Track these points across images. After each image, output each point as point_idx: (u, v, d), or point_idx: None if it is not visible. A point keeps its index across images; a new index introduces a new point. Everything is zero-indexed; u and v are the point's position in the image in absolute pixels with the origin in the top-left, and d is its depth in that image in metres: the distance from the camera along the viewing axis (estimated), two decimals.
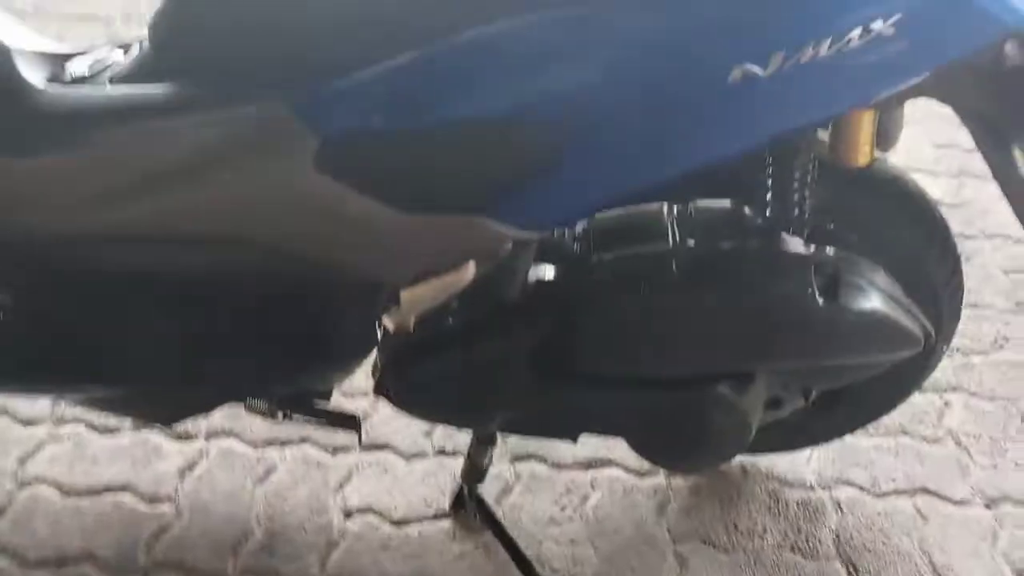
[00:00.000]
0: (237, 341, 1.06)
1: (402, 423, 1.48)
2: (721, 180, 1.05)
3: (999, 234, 1.95)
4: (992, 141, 0.98)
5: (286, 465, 1.41)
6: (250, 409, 1.13)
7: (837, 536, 1.35)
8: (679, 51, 0.80)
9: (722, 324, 0.98)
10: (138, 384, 1.09)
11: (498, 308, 1.04)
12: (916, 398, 1.54)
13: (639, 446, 1.12)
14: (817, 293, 0.95)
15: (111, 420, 1.44)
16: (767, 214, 1.01)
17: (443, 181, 0.90)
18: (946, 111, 0.96)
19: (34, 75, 1.07)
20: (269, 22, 0.92)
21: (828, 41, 0.79)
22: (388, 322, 1.01)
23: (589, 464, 1.43)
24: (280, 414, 1.13)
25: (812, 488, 1.42)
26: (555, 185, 0.88)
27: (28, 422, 1.45)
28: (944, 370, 1.61)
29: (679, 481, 1.41)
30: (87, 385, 1.10)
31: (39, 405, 1.47)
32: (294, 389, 1.13)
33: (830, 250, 1.00)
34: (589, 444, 1.44)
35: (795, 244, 0.98)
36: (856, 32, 0.79)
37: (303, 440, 1.45)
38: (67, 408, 1.47)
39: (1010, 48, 0.92)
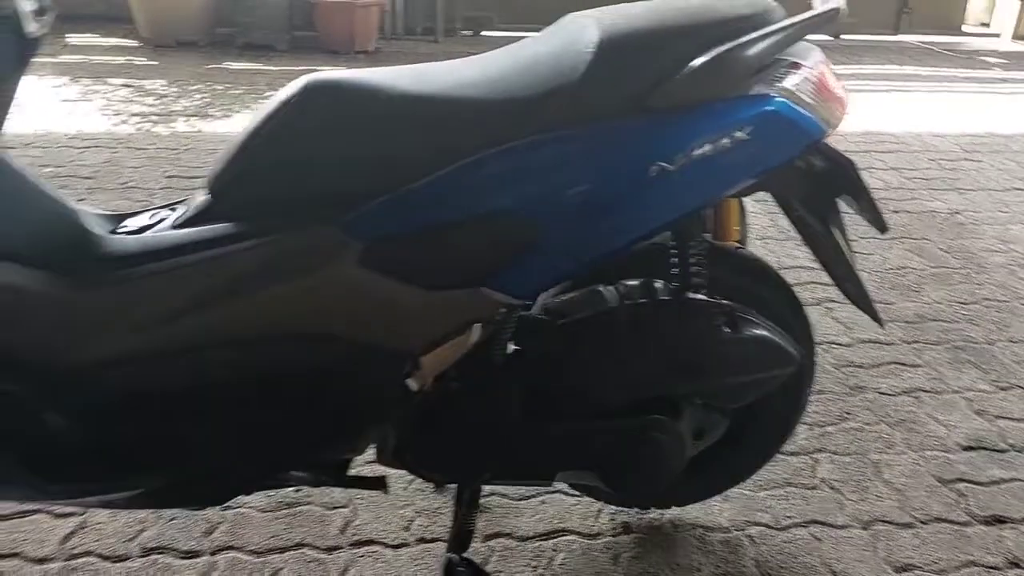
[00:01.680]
0: (287, 422, 1.30)
1: (381, 523, 1.70)
2: (635, 267, 1.44)
3: (826, 341, 2.45)
4: (810, 219, 1.42)
5: (289, 567, 1.59)
6: (293, 481, 1.35)
7: (756, 562, 1.66)
8: (617, 156, 1.21)
9: (659, 356, 1.34)
10: (200, 467, 1.30)
11: (490, 371, 1.35)
12: (791, 460, 1.94)
13: (605, 476, 1.42)
14: (723, 327, 1.33)
15: (121, 548, 1.58)
16: (673, 284, 1.40)
17: (454, 264, 1.24)
18: None
19: (98, 229, 1.35)
20: (308, 171, 1.25)
21: (710, 144, 1.22)
22: (413, 384, 1.29)
23: (549, 535, 1.70)
24: (318, 482, 1.36)
25: (729, 530, 1.74)
26: (535, 261, 1.24)
27: (40, 560, 1.56)
28: (809, 439, 2.02)
29: (626, 537, 1.70)
30: (157, 475, 1.29)
31: (49, 544, 1.59)
32: (333, 457, 1.36)
33: (724, 302, 1.39)
34: (545, 518, 1.72)
35: (701, 298, 1.37)
36: (726, 139, 1.23)
37: (300, 545, 1.63)
38: (78, 541, 1.59)
39: (814, 159, 1.40)
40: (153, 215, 1.37)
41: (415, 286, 1.24)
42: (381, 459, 1.45)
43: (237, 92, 4.64)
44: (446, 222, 1.22)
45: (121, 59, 5.07)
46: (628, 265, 1.43)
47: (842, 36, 6.80)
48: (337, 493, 1.77)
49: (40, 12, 1.27)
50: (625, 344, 1.35)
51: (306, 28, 5.80)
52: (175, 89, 4.55)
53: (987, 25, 7.40)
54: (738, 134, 1.23)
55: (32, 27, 1.26)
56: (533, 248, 1.23)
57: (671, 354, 1.35)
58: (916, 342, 2.49)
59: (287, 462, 1.33)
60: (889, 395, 2.23)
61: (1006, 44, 7.17)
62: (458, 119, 1.24)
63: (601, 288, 1.40)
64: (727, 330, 1.35)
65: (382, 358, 1.28)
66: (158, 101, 4.32)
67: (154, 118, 4.06)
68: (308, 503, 1.74)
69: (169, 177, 3.42)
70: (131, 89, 4.45)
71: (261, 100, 4.54)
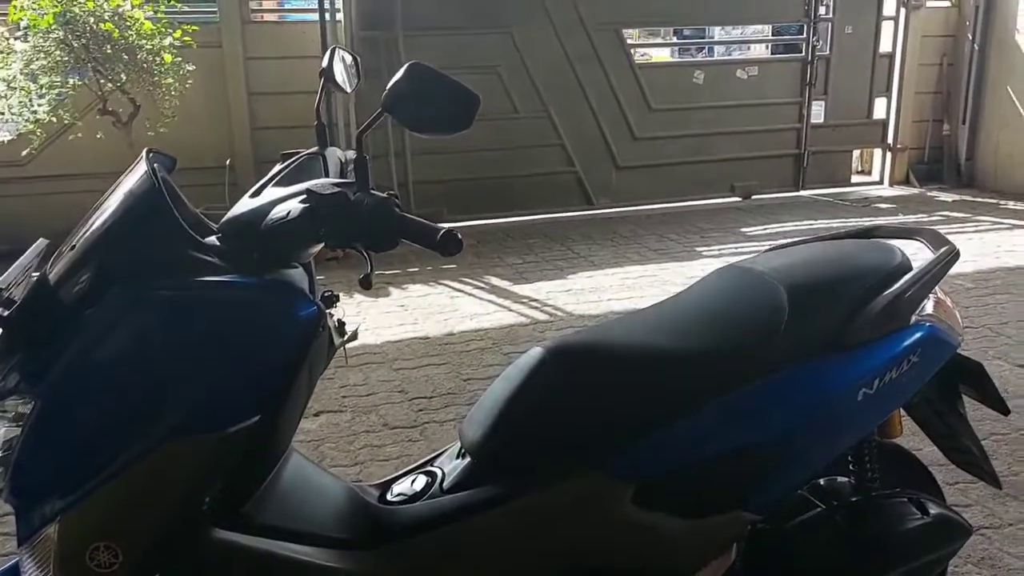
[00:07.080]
0: None
1: None
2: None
3: None
4: (940, 406, 1.75)
5: None
6: None
7: None
8: (836, 387, 1.50)
9: (876, 548, 1.60)
10: None
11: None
12: None
13: None
14: (916, 512, 1.61)
15: None
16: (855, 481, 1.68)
17: (719, 494, 1.48)
18: None
19: (374, 501, 1.54)
20: (571, 428, 1.49)
21: (895, 370, 1.54)
22: None
23: None
24: None
25: None
26: (780, 479, 1.50)
27: None
28: None
29: None
30: None
31: None
32: None
33: (910, 491, 1.67)
34: None
35: (894, 492, 1.65)
36: (906, 363, 1.55)
37: None
38: None
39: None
40: (414, 480, 1.56)
41: (681, 518, 1.47)
42: None
43: None
44: (711, 456, 1.47)
45: None
46: None
47: (753, 196, 7.52)
48: None
49: (341, 326, 1.51)
50: (847, 541, 1.59)
51: None
52: None
53: (867, 172, 8.33)
54: (912, 358, 1.56)
55: (337, 340, 1.49)
56: (778, 472, 1.49)
57: (886, 545, 1.60)
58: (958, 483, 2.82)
59: None
60: None
61: (887, 190, 8.07)
62: (694, 368, 1.51)
63: (802, 492, 1.66)
64: (919, 514, 1.62)
65: None
66: None
67: None
68: None
69: None
70: None
71: None
